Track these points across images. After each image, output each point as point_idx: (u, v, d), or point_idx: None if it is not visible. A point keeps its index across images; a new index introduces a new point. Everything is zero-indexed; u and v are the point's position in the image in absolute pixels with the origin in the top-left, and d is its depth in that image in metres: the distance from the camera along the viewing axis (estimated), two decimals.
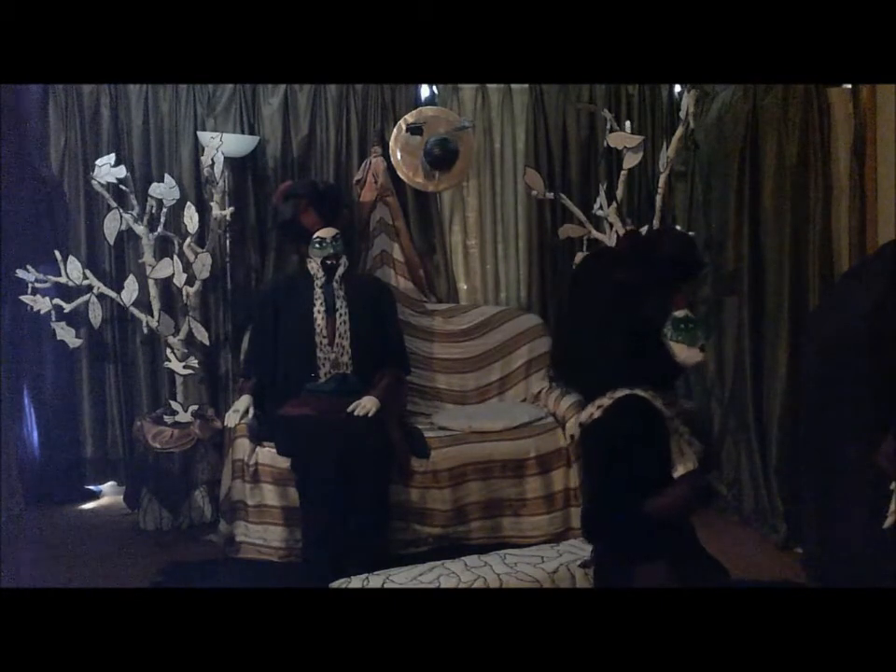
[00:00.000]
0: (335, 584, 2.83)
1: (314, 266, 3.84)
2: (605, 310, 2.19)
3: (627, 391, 2.17)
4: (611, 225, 4.05)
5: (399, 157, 4.22)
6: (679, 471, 2.14)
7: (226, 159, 4.06)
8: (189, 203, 4.11)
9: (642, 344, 2.16)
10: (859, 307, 3.01)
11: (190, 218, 4.04)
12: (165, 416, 4.11)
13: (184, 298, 4.13)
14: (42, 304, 3.96)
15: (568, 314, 2.28)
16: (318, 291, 3.83)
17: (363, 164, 4.36)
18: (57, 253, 3.99)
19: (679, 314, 2.18)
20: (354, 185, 4.38)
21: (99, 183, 4.04)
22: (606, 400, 2.18)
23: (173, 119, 4.39)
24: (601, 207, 4.06)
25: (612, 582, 2.20)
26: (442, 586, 2.75)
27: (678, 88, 4.38)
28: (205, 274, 4.05)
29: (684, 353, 2.18)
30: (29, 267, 3.96)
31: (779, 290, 3.87)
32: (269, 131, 4.41)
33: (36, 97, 4.35)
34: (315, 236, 3.82)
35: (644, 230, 3.94)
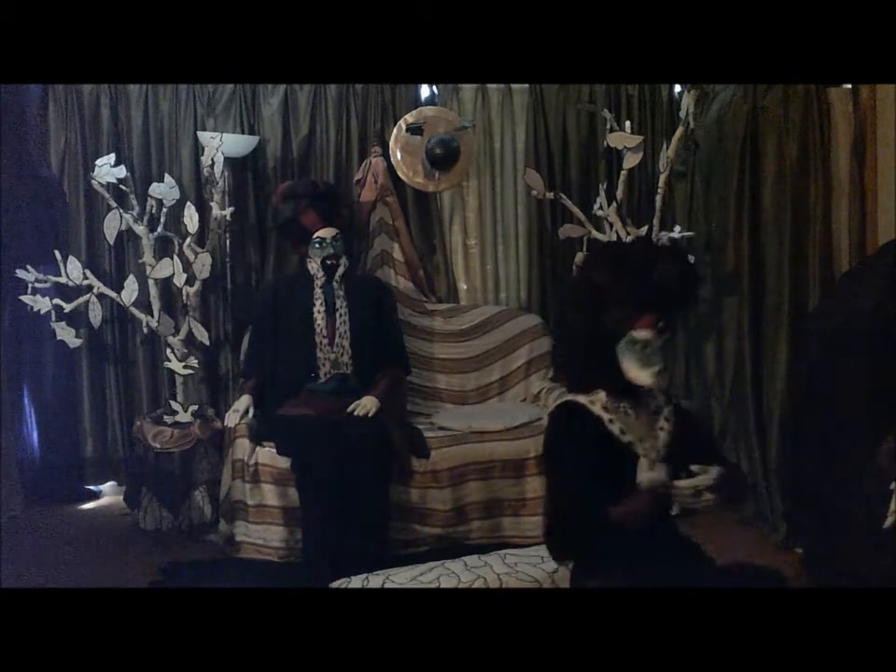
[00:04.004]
0: (335, 584, 2.83)
1: (314, 266, 3.85)
2: (578, 309, 2.23)
3: (567, 398, 2.22)
4: (611, 225, 4.05)
5: (398, 157, 4.23)
6: (641, 481, 2.11)
7: (226, 159, 4.06)
8: (188, 202, 4.11)
9: (601, 350, 2.17)
10: (859, 307, 3.01)
11: (190, 218, 4.04)
12: (165, 416, 4.11)
13: (184, 298, 4.12)
14: (42, 304, 3.96)
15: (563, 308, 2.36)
16: (318, 291, 3.83)
17: (363, 164, 4.36)
18: (57, 253, 3.99)
19: (639, 334, 2.12)
20: (354, 185, 4.38)
21: (99, 183, 4.03)
22: (549, 409, 2.26)
23: (173, 119, 4.39)
24: (601, 207, 4.06)
25: (584, 584, 2.22)
26: (442, 586, 2.75)
27: (678, 88, 4.37)
28: (205, 274, 4.05)
29: (633, 372, 2.15)
30: (29, 267, 3.96)
31: (779, 290, 3.87)
32: (269, 131, 4.40)
33: (36, 97, 4.35)
34: (315, 236, 3.82)
35: (657, 236, 3.94)
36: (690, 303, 2.44)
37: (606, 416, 2.18)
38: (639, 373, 2.14)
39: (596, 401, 2.20)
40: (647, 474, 2.10)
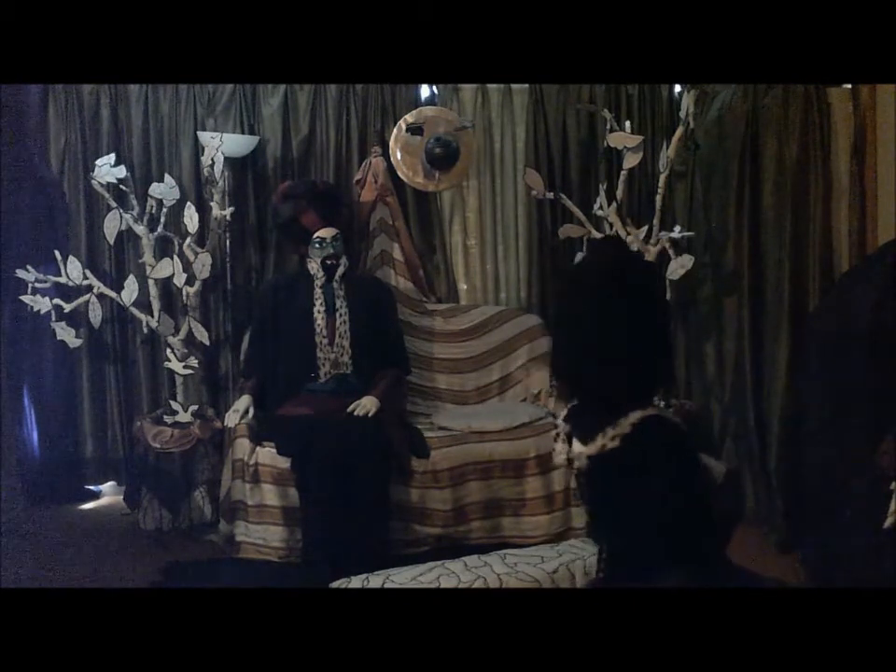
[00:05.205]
0: (335, 584, 2.83)
1: (314, 266, 3.85)
2: (618, 315, 2.10)
3: (641, 413, 2.03)
4: (611, 225, 4.05)
5: (398, 157, 4.22)
6: (718, 474, 2.09)
7: (226, 159, 4.06)
8: (189, 202, 4.11)
9: (656, 350, 2.11)
10: (859, 307, 3.01)
11: (190, 218, 4.04)
12: (165, 416, 4.11)
13: (184, 298, 4.12)
14: (42, 304, 3.96)
15: (574, 317, 2.20)
16: (318, 291, 3.83)
17: (363, 164, 4.36)
18: (57, 253, 3.99)
19: None
20: (354, 185, 4.37)
21: (99, 183, 4.03)
22: (622, 429, 2.02)
23: (173, 119, 4.38)
24: (601, 207, 4.06)
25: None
26: (442, 586, 2.75)
27: (678, 88, 4.37)
28: (205, 274, 4.05)
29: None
30: (29, 267, 3.96)
31: (779, 290, 3.87)
32: (269, 131, 4.40)
33: (36, 97, 4.35)
34: (315, 236, 3.82)
35: (657, 236, 3.94)
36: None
37: (678, 418, 2.14)
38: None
39: (665, 410, 2.13)
40: (718, 466, 2.09)
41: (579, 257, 4.03)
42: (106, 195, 4.06)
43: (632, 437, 2.02)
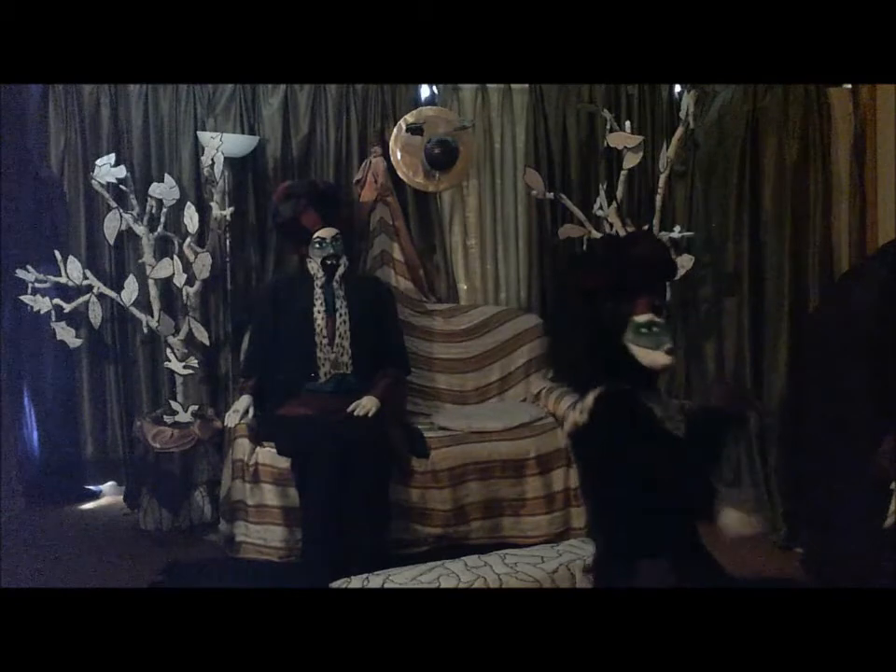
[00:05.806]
0: (335, 584, 2.83)
1: (314, 266, 3.85)
2: (578, 313, 2.23)
3: (603, 389, 2.19)
4: (611, 225, 4.05)
5: (398, 157, 4.22)
6: None
7: (226, 159, 4.06)
8: (189, 202, 4.11)
9: (605, 347, 2.20)
10: (859, 307, 3.01)
11: (190, 218, 4.04)
12: (165, 416, 4.11)
13: (184, 298, 4.12)
14: (42, 304, 3.96)
15: (555, 314, 2.35)
16: (318, 291, 3.83)
17: (363, 164, 4.36)
18: (57, 253, 3.99)
19: (641, 318, 2.19)
20: (354, 185, 4.37)
21: (99, 183, 4.03)
22: (587, 403, 2.19)
23: (173, 119, 4.38)
24: (601, 207, 4.06)
25: (614, 583, 2.20)
26: (442, 586, 2.75)
27: (678, 88, 4.37)
28: (205, 274, 4.05)
29: (648, 357, 2.20)
30: (29, 267, 3.96)
31: (779, 290, 3.88)
32: (269, 131, 4.40)
33: (36, 97, 4.35)
34: (315, 236, 3.82)
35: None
36: (670, 276, 2.63)
37: (649, 403, 2.21)
38: (654, 355, 2.18)
39: (638, 392, 2.22)
40: None
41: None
42: (106, 195, 4.06)
43: (596, 410, 2.17)
